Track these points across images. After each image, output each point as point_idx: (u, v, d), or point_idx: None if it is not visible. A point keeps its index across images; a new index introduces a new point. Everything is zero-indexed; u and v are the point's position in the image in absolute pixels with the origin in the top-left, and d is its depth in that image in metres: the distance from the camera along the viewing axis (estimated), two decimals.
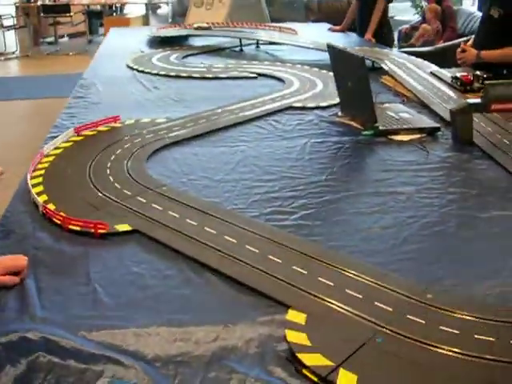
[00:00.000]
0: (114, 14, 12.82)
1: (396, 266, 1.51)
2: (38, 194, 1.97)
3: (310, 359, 1.15)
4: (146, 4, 12.11)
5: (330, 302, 1.34)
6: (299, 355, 1.16)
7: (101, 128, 2.71)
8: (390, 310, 1.31)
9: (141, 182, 2.06)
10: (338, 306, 1.33)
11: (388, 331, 1.23)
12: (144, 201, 1.91)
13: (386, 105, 2.90)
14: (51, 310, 1.35)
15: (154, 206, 1.88)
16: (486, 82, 2.72)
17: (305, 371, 1.13)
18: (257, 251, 1.57)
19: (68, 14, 11.62)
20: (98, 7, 12.78)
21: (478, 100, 2.34)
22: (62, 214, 1.79)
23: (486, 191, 1.96)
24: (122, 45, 5.26)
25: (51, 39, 12.64)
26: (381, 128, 2.50)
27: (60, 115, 3.01)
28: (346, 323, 1.27)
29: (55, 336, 1.23)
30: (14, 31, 12.01)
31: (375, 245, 1.63)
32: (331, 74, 3.14)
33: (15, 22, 12.12)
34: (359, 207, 1.87)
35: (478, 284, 1.42)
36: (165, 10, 13.87)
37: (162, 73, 3.98)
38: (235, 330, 1.27)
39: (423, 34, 6.52)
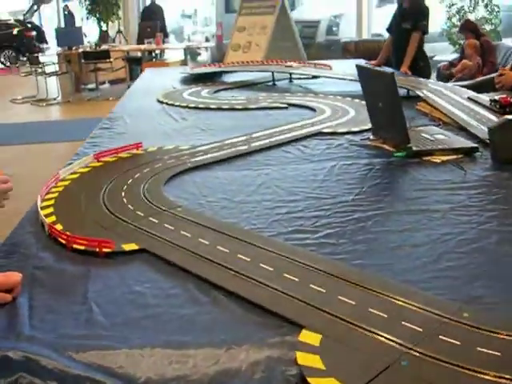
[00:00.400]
0: (154, 59, 12.99)
1: (428, 284, 1.34)
2: (47, 215, 1.86)
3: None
4: (184, 49, 12.25)
5: (349, 322, 1.17)
6: (310, 379, 1.00)
7: (122, 155, 2.61)
8: (420, 330, 1.13)
9: (155, 204, 1.94)
10: (359, 326, 1.16)
11: (416, 353, 1.06)
12: (156, 221, 1.79)
13: (421, 128, 2.74)
14: (40, 328, 1.22)
15: (165, 226, 1.75)
16: None
17: None
18: (271, 269, 1.42)
19: (108, 60, 11.81)
20: (138, 54, 12.98)
21: None
22: (66, 233, 1.67)
23: None
24: (156, 83, 5.22)
25: (92, 86, 12.85)
26: (414, 149, 2.33)
27: (83, 144, 2.92)
28: (368, 345, 1.10)
29: (39, 356, 1.10)
30: (55, 78, 12.27)
31: (405, 263, 1.46)
32: (364, 102, 3.00)
33: (57, 69, 12.37)
34: (388, 225, 1.70)
35: None
36: (204, 56, 14.06)
37: (192, 105, 3.88)
38: (239, 353, 1.11)
39: (463, 69, 6.36)
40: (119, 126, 3.35)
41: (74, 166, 2.40)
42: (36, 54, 13.04)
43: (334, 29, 11.31)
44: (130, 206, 1.94)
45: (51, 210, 1.93)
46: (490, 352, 1.05)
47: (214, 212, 1.89)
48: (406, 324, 1.16)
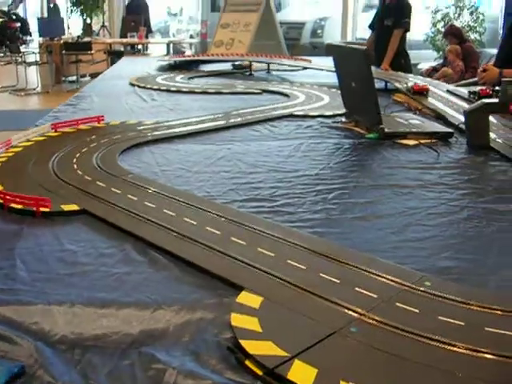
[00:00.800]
0: (136, 53, 12.79)
1: (390, 253, 1.21)
2: None
3: (256, 347, 0.86)
4: (167, 44, 12.07)
5: (296, 286, 1.05)
6: (243, 342, 0.87)
7: (81, 127, 2.46)
8: (375, 296, 1.01)
9: (105, 170, 1.80)
10: (307, 291, 1.03)
11: (370, 320, 0.93)
12: (103, 185, 1.65)
13: (396, 114, 2.63)
14: None
15: (112, 190, 1.61)
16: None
17: (248, 363, 0.84)
18: (218, 233, 1.29)
19: (89, 52, 11.60)
20: (121, 48, 12.78)
21: (495, 100, 2.05)
22: (2, 191, 1.53)
23: (506, 189, 1.66)
24: (131, 69, 5.07)
25: (73, 78, 12.62)
26: (386, 130, 2.21)
27: (44, 117, 2.78)
28: (314, 310, 0.97)
29: None
30: (36, 68, 12.03)
31: (366, 233, 1.34)
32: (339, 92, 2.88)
33: (38, 59, 12.13)
34: (352, 198, 1.58)
35: (491, 274, 1.12)
36: (188, 52, 13.89)
37: (163, 88, 3.74)
38: (168, 313, 0.98)
39: (443, 76, 6.27)
40: (85, 104, 3.21)
41: (28, 133, 2.25)
42: (17, 44, 12.79)
43: (319, 31, 11.20)
44: (79, 171, 1.80)
45: None
46: (453, 321, 0.93)
47: (168, 180, 1.76)
48: (361, 290, 1.03)
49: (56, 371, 0.83)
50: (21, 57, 11.70)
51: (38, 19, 12.89)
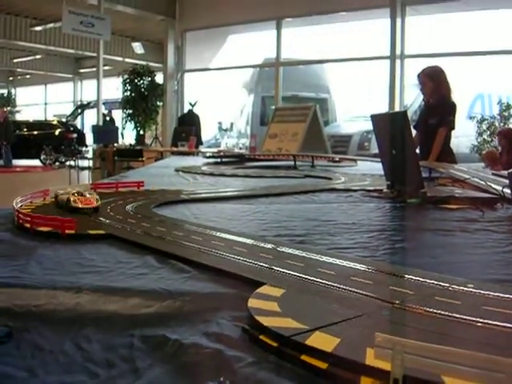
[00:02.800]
0: None
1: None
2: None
3: (272, 321, 0.77)
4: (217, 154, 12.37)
5: (324, 283, 0.96)
6: (258, 317, 0.78)
7: (120, 190, 2.46)
8: (410, 292, 0.91)
9: (137, 212, 1.77)
10: (335, 287, 0.94)
11: (402, 307, 0.84)
12: (133, 221, 1.61)
13: (439, 187, 2.56)
14: None
15: (143, 224, 1.57)
16: None
17: (262, 337, 0.75)
18: (243, 250, 1.22)
19: (140, 159, 11.95)
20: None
21: None
22: (30, 214, 1.51)
23: None
24: (178, 163, 5.16)
25: None
26: (429, 195, 2.14)
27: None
28: (343, 297, 0.89)
29: None
30: (88, 172, 12.43)
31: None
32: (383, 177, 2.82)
33: (91, 164, 12.56)
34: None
35: None
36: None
37: (207, 172, 3.77)
38: (180, 302, 0.92)
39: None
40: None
41: (67, 188, 2.25)
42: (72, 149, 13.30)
43: (366, 144, 11.35)
44: (111, 212, 1.77)
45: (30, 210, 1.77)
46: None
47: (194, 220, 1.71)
48: (394, 288, 0.94)
49: (47, 339, 0.76)
50: (74, 161, 12.09)
51: (93, 127, 13.44)
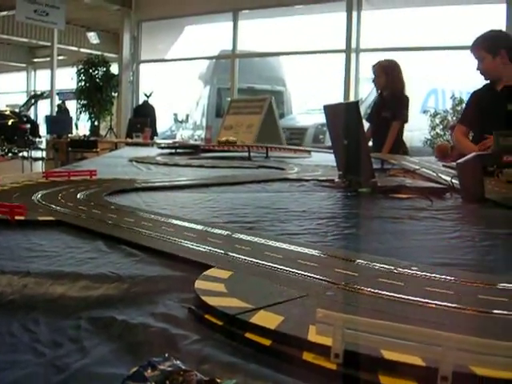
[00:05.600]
0: None
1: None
2: None
3: (219, 301, 0.78)
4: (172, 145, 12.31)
5: (274, 267, 0.98)
6: (205, 298, 0.79)
7: (73, 178, 2.43)
8: (356, 274, 0.93)
9: (89, 199, 1.75)
10: (284, 270, 0.96)
11: (348, 288, 0.86)
12: (85, 209, 1.60)
13: (389, 178, 2.60)
14: None
15: (94, 211, 1.56)
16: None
17: (208, 316, 0.76)
18: (193, 235, 1.23)
19: (95, 150, 11.81)
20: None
21: (488, 151, 2.03)
22: None
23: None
24: (132, 153, 5.11)
25: None
26: (380, 184, 2.17)
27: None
28: (290, 280, 0.90)
29: None
30: (41, 162, 12.23)
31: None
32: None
33: (44, 155, 12.36)
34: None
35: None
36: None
37: (161, 162, 3.76)
38: (129, 284, 0.91)
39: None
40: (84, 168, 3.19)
41: (18, 176, 2.22)
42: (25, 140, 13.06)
43: (321, 137, 11.44)
44: (61, 199, 1.75)
45: None
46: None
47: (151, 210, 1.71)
48: (340, 271, 0.96)
49: None
50: (27, 151, 11.88)
51: (47, 117, 13.24)
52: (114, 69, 15.17)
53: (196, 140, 15.29)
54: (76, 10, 14.74)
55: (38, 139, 19.18)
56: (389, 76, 5.06)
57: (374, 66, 5.23)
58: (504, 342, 0.59)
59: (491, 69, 3.28)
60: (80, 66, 14.85)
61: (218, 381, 0.56)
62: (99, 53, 15.82)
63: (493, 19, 8.73)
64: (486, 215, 1.83)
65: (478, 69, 3.35)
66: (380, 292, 0.84)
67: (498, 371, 0.57)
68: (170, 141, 12.71)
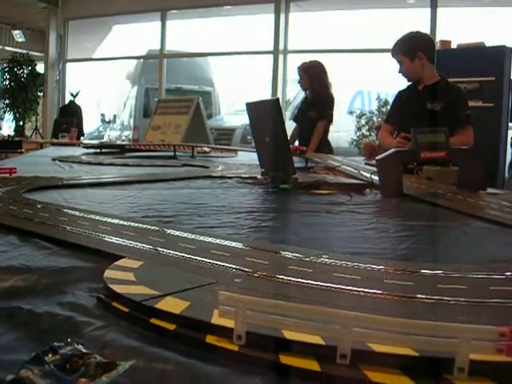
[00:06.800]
0: None
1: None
2: None
3: (126, 289, 0.78)
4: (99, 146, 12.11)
5: (183, 257, 0.98)
6: (112, 286, 0.79)
7: None
8: (265, 262, 0.95)
9: (6, 197, 1.71)
10: (192, 259, 0.96)
11: (256, 275, 0.87)
12: (0, 205, 1.56)
13: (311, 175, 2.64)
14: None
15: (10, 207, 1.53)
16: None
17: (115, 303, 0.76)
18: (108, 228, 1.22)
19: (19, 150, 11.49)
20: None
21: (406, 148, 2.09)
22: None
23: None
24: (56, 153, 5.00)
25: None
26: (300, 181, 2.21)
27: None
28: (199, 268, 0.91)
29: None
30: None
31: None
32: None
33: None
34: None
35: None
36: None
37: (84, 161, 3.69)
38: (38, 275, 0.90)
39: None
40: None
41: None
42: None
43: (249, 137, 11.47)
44: None
45: None
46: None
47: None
48: (251, 259, 0.98)
49: None
50: None
51: None
52: (40, 68, 14.80)
53: (123, 140, 15.08)
54: (1, 7, 14.30)
55: None
56: (312, 76, 5.13)
57: (298, 68, 5.30)
58: (397, 319, 0.61)
59: (411, 71, 3.37)
60: (4, 65, 14.42)
61: (118, 362, 0.57)
62: (25, 51, 15.39)
63: (417, 23, 8.96)
64: (402, 209, 1.88)
65: (399, 71, 3.44)
66: (288, 278, 0.86)
67: (393, 347, 0.59)
68: (97, 141, 12.52)
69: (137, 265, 0.91)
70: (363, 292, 0.82)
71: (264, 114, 2.36)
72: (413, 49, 3.32)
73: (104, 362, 0.56)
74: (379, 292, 0.82)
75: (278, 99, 2.26)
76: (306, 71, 5.18)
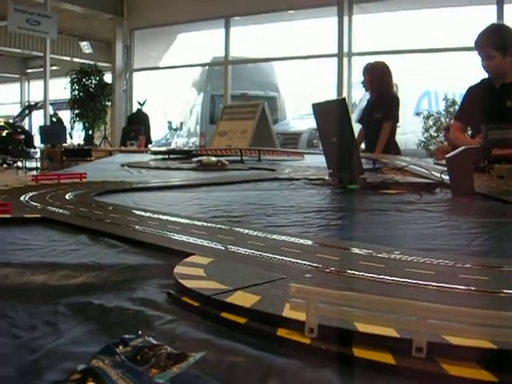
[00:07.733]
0: None
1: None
2: None
3: (196, 284, 0.78)
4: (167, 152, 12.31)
5: (254, 254, 0.97)
6: (182, 281, 0.79)
7: (62, 181, 2.42)
8: (336, 259, 0.93)
9: (77, 199, 1.75)
10: (264, 257, 0.96)
11: (326, 270, 0.86)
12: (71, 207, 1.59)
13: (380, 175, 2.60)
14: None
15: (81, 209, 1.55)
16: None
17: (185, 298, 0.76)
18: (177, 228, 1.23)
19: (89, 159, 11.80)
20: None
21: (477, 145, 2.03)
22: None
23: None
24: (125, 159, 5.11)
25: None
26: (368, 181, 2.17)
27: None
28: (269, 264, 0.90)
29: None
30: (36, 172, 12.21)
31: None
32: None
33: (38, 165, 12.33)
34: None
35: None
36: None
37: (152, 166, 3.75)
38: (109, 272, 0.91)
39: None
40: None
41: (8, 180, 2.22)
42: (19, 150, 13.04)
43: (315, 141, 11.44)
44: (49, 199, 1.75)
45: None
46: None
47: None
48: (322, 256, 0.96)
49: None
50: (22, 162, 11.85)
51: (41, 127, 13.20)
52: (108, 78, 15.17)
53: (190, 147, 15.28)
54: (68, 20, 14.76)
55: (32, 150, 19.13)
56: (375, 77, 5.08)
57: (363, 69, 5.26)
58: (476, 310, 0.59)
59: (500, 67, 3.23)
60: (73, 76, 14.84)
61: (189, 354, 0.56)
62: (92, 62, 15.82)
63: (483, 20, 8.76)
64: (474, 207, 1.83)
65: (483, 66, 3.30)
66: (360, 273, 0.84)
67: (470, 339, 0.57)
68: (165, 148, 12.73)
69: (206, 261, 0.90)
70: (439, 287, 0.79)
71: (330, 114, 2.34)
72: (506, 44, 3.19)
73: (175, 353, 0.56)
74: (460, 287, 0.78)
75: (344, 99, 2.24)
76: (370, 72, 5.14)
